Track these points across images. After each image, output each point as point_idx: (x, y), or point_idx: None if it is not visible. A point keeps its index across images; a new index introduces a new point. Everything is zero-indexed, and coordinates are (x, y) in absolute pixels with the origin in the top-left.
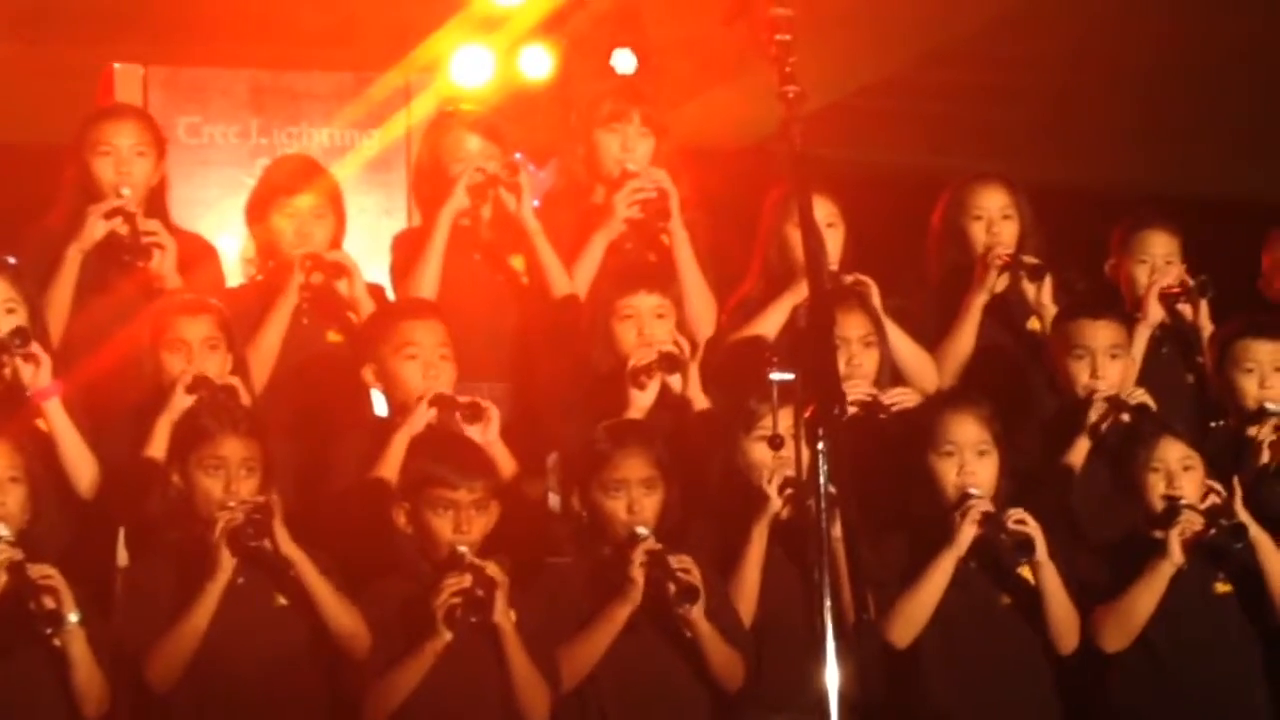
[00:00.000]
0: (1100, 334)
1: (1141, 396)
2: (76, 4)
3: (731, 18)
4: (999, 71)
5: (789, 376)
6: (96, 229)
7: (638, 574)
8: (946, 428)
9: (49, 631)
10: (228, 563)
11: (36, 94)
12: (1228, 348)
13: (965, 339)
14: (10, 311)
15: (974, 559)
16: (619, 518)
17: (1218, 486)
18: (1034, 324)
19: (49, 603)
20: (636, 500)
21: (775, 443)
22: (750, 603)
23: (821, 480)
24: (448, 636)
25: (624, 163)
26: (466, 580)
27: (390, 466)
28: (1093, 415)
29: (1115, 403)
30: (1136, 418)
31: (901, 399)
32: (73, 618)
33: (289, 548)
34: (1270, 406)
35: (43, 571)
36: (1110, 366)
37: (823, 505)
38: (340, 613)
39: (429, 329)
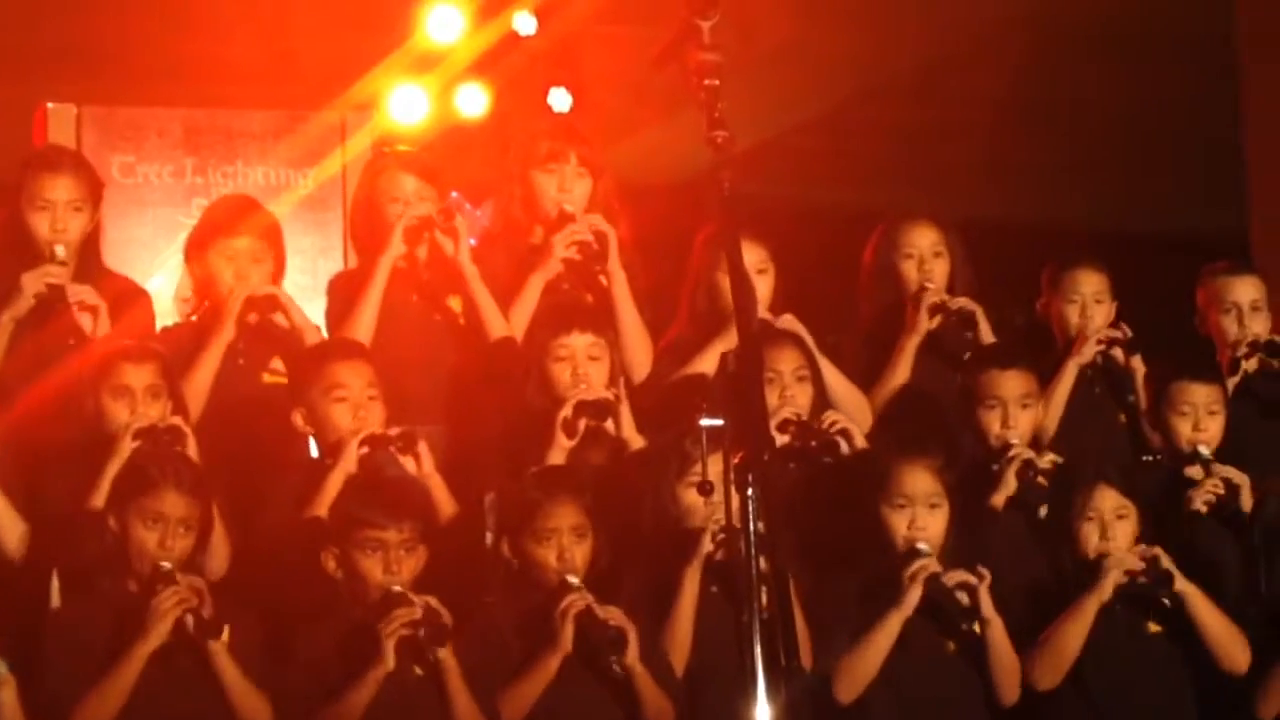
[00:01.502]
0: (1010, 384)
1: (1053, 459)
2: (9, 42)
3: (662, 62)
4: (932, 110)
5: (718, 422)
6: (29, 298)
7: (567, 628)
8: (900, 480)
9: None
10: (162, 632)
11: None
12: (1163, 389)
13: (899, 381)
14: None
15: (920, 609)
16: (549, 564)
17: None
18: None
19: None
20: (567, 548)
21: (705, 489)
22: (684, 646)
23: (750, 525)
24: (390, 664)
25: (561, 203)
26: (417, 612)
27: (324, 507)
28: (1010, 475)
29: (1030, 465)
30: (1052, 478)
31: (834, 420)
32: (1, 668)
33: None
34: (1203, 450)
35: None
36: (1022, 416)
37: (752, 549)
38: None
39: (355, 370)
